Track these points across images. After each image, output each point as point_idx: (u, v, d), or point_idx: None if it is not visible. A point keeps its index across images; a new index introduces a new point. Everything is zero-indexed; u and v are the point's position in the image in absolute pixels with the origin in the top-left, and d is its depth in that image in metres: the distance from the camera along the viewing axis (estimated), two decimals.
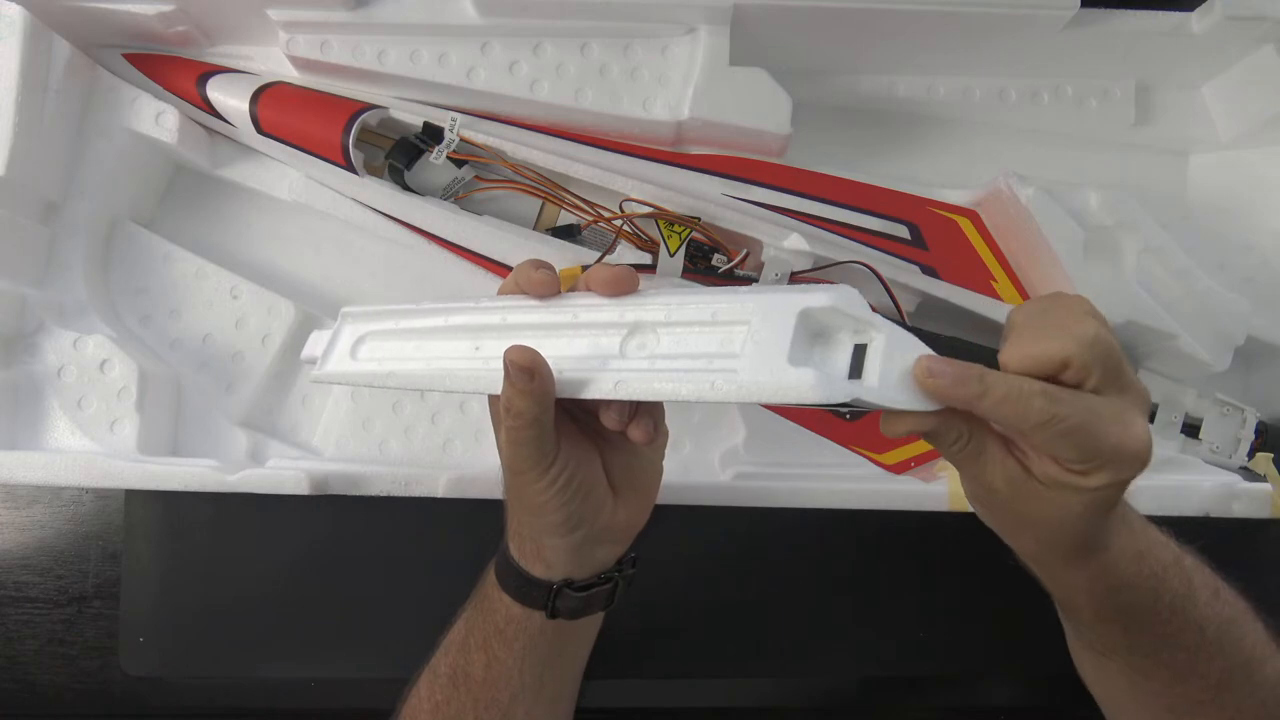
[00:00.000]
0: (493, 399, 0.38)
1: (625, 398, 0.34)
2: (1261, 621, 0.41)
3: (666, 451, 0.43)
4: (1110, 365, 0.31)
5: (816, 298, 0.31)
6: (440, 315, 0.40)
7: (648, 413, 0.37)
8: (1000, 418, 0.31)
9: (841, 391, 0.30)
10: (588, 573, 0.41)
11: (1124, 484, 0.33)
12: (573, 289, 0.38)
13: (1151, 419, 0.57)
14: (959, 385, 0.31)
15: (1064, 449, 0.32)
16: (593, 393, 0.34)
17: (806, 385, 0.29)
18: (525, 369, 0.34)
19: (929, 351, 0.32)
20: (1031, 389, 0.31)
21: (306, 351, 0.44)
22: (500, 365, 0.34)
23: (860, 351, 0.31)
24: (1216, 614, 0.39)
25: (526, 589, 0.41)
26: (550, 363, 0.34)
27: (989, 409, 0.31)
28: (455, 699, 0.43)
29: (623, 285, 0.36)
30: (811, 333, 0.31)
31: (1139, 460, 0.32)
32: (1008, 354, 0.32)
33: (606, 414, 0.37)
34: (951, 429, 0.34)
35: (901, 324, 0.38)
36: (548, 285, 0.37)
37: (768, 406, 0.55)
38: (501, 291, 0.39)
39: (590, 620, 0.44)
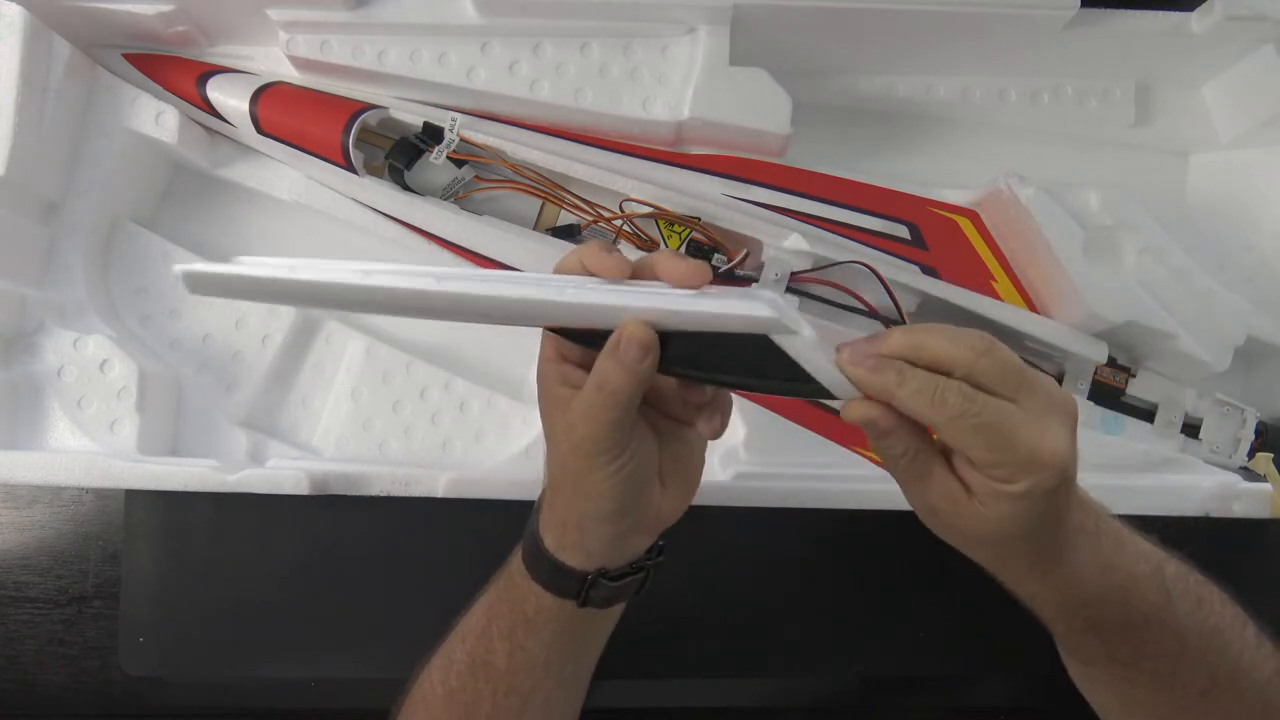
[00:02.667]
0: (543, 365, 0.36)
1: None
2: (1252, 627, 0.41)
3: None
4: (998, 374, 0.32)
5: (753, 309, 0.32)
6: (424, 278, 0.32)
7: (720, 408, 0.37)
8: (915, 408, 0.32)
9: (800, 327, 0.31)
10: (622, 562, 0.40)
11: (1049, 493, 0.33)
12: (637, 275, 0.35)
13: (1151, 419, 0.57)
14: (877, 372, 0.32)
15: (977, 446, 0.32)
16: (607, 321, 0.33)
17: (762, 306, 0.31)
18: (646, 346, 0.32)
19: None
20: (948, 384, 0.31)
21: (179, 267, 0.33)
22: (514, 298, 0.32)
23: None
24: (1199, 623, 0.39)
25: (559, 578, 0.40)
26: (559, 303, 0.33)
27: (905, 398, 0.32)
28: (472, 685, 0.42)
29: (697, 279, 0.33)
30: None
31: (1057, 467, 0.32)
32: (892, 336, 0.33)
33: (695, 407, 0.37)
34: (899, 441, 0.34)
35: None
36: (620, 269, 0.34)
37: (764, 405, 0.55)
38: (560, 269, 0.36)
39: (616, 607, 0.43)
